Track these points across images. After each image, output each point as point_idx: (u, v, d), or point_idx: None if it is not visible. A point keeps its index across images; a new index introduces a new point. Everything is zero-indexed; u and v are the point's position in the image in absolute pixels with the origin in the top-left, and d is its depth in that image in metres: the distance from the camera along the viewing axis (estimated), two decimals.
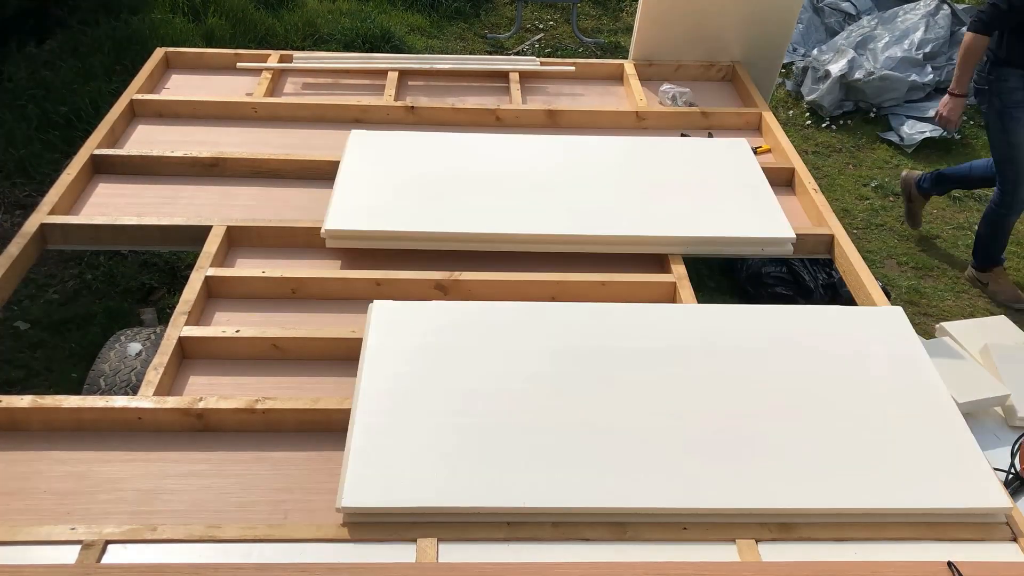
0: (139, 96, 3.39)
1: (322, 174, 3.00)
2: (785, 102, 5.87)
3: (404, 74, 3.76)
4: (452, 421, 1.98)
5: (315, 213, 2.79)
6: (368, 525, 1.80)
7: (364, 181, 2.85)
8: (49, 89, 4.79)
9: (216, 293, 2.51)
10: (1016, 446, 2.68)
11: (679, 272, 2.62)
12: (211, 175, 3.04)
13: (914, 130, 5.37)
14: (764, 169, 3.07)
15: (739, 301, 3.89)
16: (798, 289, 3.78)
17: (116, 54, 5.08)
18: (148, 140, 3.22)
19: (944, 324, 3.31)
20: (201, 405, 2.05)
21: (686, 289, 2.54)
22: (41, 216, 2.71)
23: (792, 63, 6.04)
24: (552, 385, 2.10)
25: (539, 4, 6.84)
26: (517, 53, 6.24)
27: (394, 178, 2.87)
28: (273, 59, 3.77)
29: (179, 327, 2.29)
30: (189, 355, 2.29)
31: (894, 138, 5.40)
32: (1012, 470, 2.58)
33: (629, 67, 3.85)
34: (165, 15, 5.62)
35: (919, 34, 5.75)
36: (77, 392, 2.49)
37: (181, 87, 3.64)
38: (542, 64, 3.86)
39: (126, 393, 2.43)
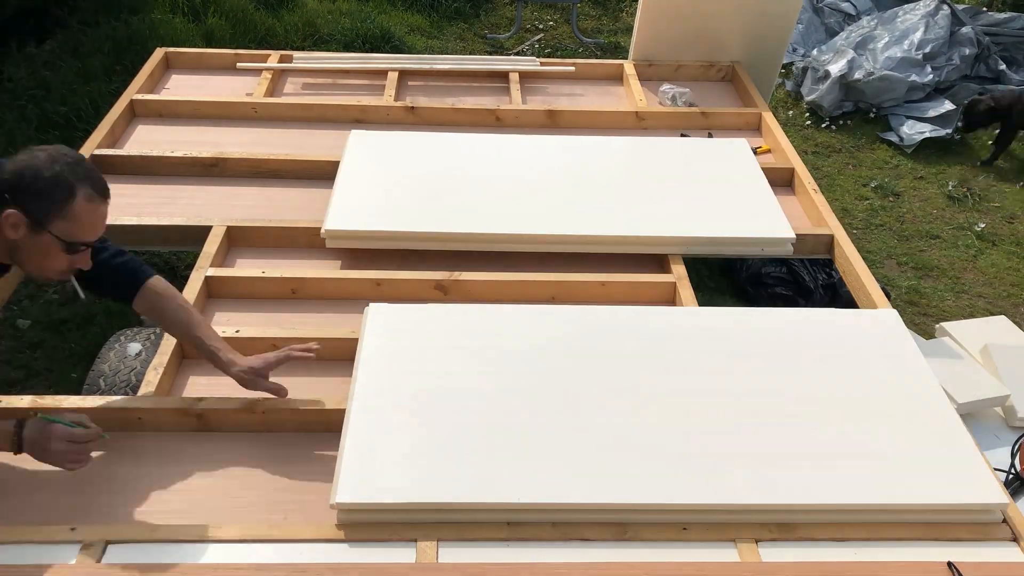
0: (139, 96, 3.39)
1: (322, 174, 3.00)
2: (785, 102, 5.87)
3: (404, 74, 3.76)
4: (448, 419, 1.98)
5: (315, 213, 2.79)
6: (365, 525, 1.80)
7: (364, 181, 2.85)
8: (49, 89, 4.79)
9: (216, 293, 2.50)
10: (1016, 446, 2.68)
11: (679, 272, 2.62)
12: (211, 175, 3.04)
13: (914, 130, 5.37)
14: (764, 169, 3.07)
15: (739, 301, 3.89)
16: (798, 289, 3.78)
17: (116, 54, 5.08)
18: (148, 140, 3.22)
19: (944, 324, 3.32)
20: (201, 405, 2.05)
21: (686, 289, 2.54)
22: None
23: (792, 63, 6.05)
24: (549, 385, 2.09)
25: (539, 4, 6.84)
26: (517, 53, 6.24)
27: (394, 178, 2.87)
28: (273, 59, 3.77)
29: None
30: (189, 355, 2.29)
31: (894, 138, 5.40)
32: (1012, 470, 2.58)
33: (629, 67, 3.85)
34: (165, 15, 5.62)
35: (919, 34, 5.74)
36: (77, 392, 2.49)
37: (181, 87, 3.64)
38: (542, 64, 3.86)
39: (126, 393, 2.43)
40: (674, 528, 1.83)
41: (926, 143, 5.33)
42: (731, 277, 4.04)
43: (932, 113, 5.45)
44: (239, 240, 2.70)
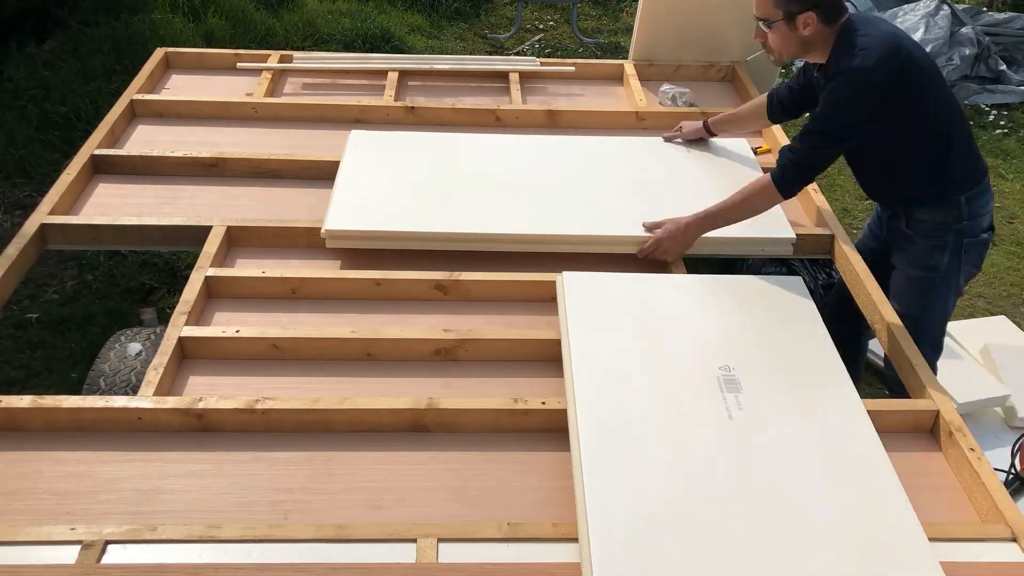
0: (139, 96, 3.39)
1: (322, 174, 3.00)
2: None
3: (404, 74, 3.76)
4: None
5: (315, 213, 2.79)
6: (363, 526, 1.81)
7: (364, 181, 2.85)
8: (49, 89, 4.80)
9: (216, 293, 2.50)
10: (1016, 446, 2.68)
11: (679, 272, 2.62)
12: (211, 175, 3.04)
13: None
14: (764, 169, 3.07)
15: None
16: None
17: (116, 54, 5.09)
18: (148, 140, 3.22)
19: None
20: (201, 405, 2.05)
21: None
22: (41, 216, 2.71)
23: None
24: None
25: (539, 4, 6.84)
26: (517, 53, 6.25)
27: (394, 178, 2.87)
28: (273, 59, 3.77)
29: (179, 327, 2.29)
30: (189, 355, 2.29)
31: None
32: (1012, 470, 2.58)
33: (629, 67, 3.85)
34: (165, 15, 5.63)
35: (919, 34, 5.74)
36: (77, 392, 2.49)
37: (181, 87, 3.64)
38: (542, 64, 3.86)
39: (126, 393, 2.43)
40: None
41: None
42: None
43: None
44: (239, 240, 2.70)
